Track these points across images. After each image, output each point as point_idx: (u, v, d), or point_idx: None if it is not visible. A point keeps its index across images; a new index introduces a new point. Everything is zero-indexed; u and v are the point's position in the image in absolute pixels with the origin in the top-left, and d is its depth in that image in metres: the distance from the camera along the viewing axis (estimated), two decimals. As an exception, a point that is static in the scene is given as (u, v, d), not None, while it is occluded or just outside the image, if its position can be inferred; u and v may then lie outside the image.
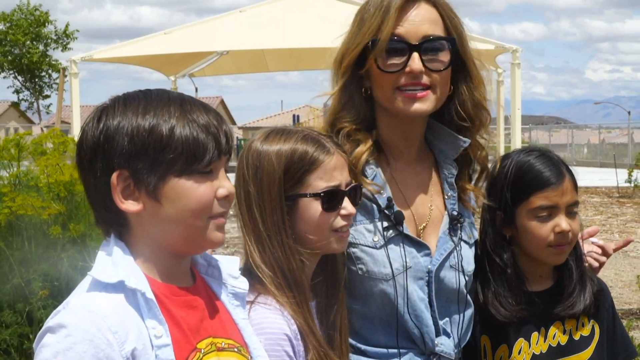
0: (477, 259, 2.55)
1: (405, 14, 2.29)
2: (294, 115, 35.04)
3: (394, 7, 2.27)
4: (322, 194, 2.16)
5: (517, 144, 14.96)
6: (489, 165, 2.57)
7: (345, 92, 2.36)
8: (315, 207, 2.17)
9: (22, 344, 5.24)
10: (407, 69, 2.28)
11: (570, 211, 2.57)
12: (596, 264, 2.83)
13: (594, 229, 2.86)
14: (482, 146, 2.50)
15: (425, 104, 2.32)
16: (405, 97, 2.30)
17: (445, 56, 2.32)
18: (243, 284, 2.01)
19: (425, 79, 2.30)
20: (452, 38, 2.34)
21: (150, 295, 1.74)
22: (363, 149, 2.34)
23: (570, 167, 2.64)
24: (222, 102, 70.94)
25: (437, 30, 2.32)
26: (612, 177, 22.40)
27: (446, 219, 2.44)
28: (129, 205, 1.76)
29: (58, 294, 5.08)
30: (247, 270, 2.16)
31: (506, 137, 20.33)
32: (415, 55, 2.28)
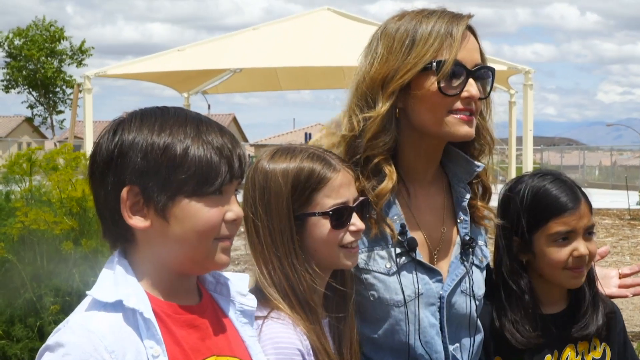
0: (492, 285, 2.54)
1: (463, 40, 2.31)
2: (306, 134, 35.05)
3: (458, 32, 2.29)
4: (330, 212, 2.15)
5: (528, 164, 14.90)
6: (499, 186, 2.55)
7: (388, 114, 2.32)
8: (324, 225, 2.16)
9: (32, 358, 5.25)
10: (465, 93, 2.30)
11: (588, 233, 2.57)
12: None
13: (604, 251, 2.84)
14: (486, 170, 2.50)
15: (472, 128, 2.34)
16: (460, 120, 2.31)
17: (488, 85, 2.37)
18: (251, 301, 2.00)
19: (473, 105, 2.33)
20: (493, 68, 2.38)
21: (148, 314, 1.73)
22: (388, 186, 2.31)
23: (583, 189, 2.63)
24: (235, 119, 71.11)
25: (480, 59, 2.36)
26: (623, 199, 22.29)
27: (458, 244, 2.43)
28: (137, 221, 1.75)
29: (69, 309, 5.06)
30: (259, 289, 2.16)
31: (517, 158, 20.25)
32: (472, 81, 2.31)
